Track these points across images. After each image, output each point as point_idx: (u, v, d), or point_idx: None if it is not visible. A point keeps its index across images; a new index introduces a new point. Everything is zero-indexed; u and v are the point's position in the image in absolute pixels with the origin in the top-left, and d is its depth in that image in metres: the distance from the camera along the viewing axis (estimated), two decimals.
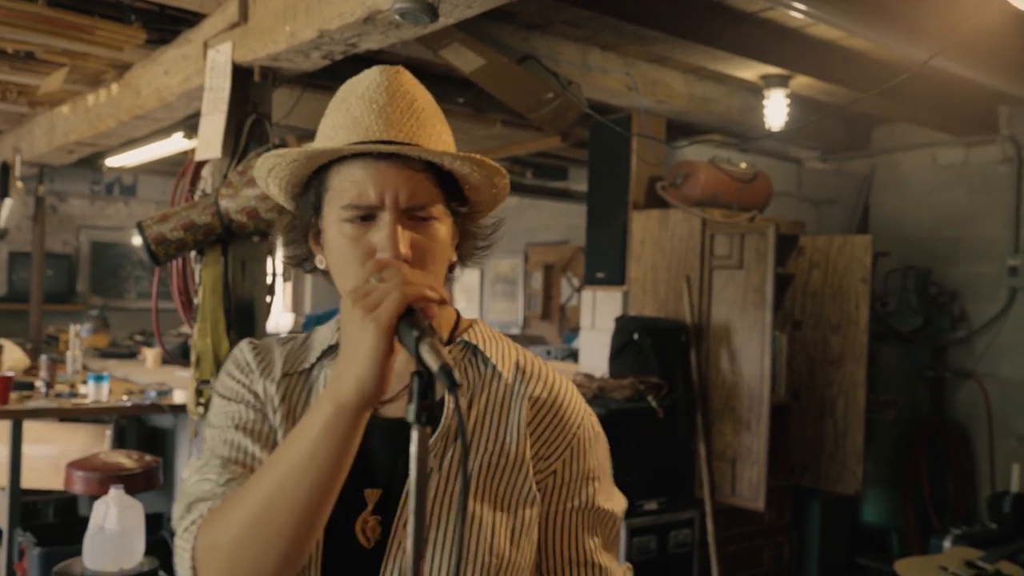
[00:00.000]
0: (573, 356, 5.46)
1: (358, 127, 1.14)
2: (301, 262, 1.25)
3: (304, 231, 1.22)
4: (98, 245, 9.80)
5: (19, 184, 6.55)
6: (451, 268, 1.25)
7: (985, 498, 5.18)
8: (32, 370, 5.43)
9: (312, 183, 1.18)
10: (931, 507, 5.29)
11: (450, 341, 1.25)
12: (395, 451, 1.15)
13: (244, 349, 1.28)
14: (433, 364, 0.92)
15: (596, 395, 4.20)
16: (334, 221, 1.15)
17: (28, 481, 4.32)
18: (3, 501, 4.23)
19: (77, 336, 5.22)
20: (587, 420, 1.28)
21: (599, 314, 5.06)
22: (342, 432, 0.99)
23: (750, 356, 4.29)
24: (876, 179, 6.01)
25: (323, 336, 1.27)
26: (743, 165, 4.83)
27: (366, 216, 1.12)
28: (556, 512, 1.23)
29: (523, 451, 1.20)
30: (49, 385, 4.69)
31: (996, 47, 3.86)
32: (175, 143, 5.55)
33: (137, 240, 9.25)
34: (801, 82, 4.55)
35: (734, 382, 4.35)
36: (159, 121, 4.75)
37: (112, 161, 6.78)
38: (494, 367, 1.24)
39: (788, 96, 4.58)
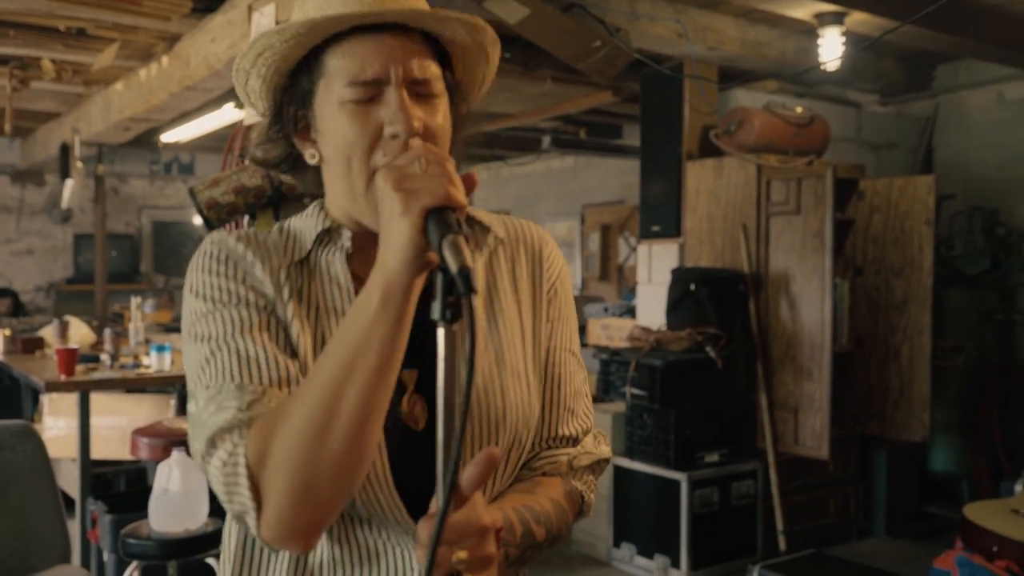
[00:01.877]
0: (631, 313, 5.41)
1: (350, 1, 1.10)
2: (280, 162, 1.20)
3: (292, 124, 1.16)
4: (159, 224, 9.97)
5: (79, 164, 6.67)
6: None
7: None
8: (97, 345, 5.55)
9: (302, 69, 1.14)
10: (1003, 453, 5.16)
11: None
12: (420, 328, 1.05)
13: (224, 241, 1.16)
14: (453, 265, 0.89)
15: (653, 347, 4.16)
16: (332, 105, 1.10)
17: (98, 452, 4.42)
18: (74, 472, 4.33)
19: (139, 308, 5.31)
20: (564, 265, 1.33)
21: (655, 268, 5.00)
22: (397, 303, 0.97)
23: (810, 303, 4.21)
24: (939, 120, 5.83)
25: (305, 225, 1.20)
26: (799, 110, 4.71)
27: (370, 97, 1.09)
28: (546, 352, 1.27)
29: (535, 304, 1.26)
30: (114, 357, 4.79)
31: None
32: (226, 114, 5.59)
33: (197, 219, 9.38)
34: (857, 19, 4.41)
35: (794, 330, 4.27)
36: (209, 91, 4.79)
37: (167, 136, 6.87)
38: (491, 232, 1.27)
39: (844, 34, 4.45)
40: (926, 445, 5.00)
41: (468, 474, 0.94)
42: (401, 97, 1.08)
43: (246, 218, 3.65)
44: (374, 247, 1.04)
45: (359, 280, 1.15)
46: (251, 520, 1.00)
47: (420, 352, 1.12)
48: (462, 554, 0.95)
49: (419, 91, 1.10)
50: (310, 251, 1.18)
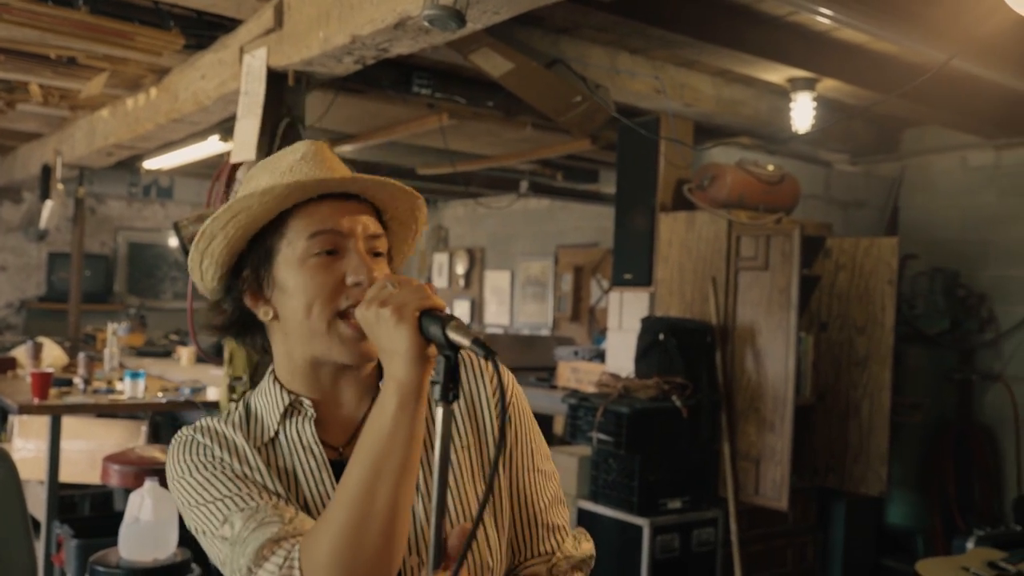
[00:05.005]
0: (601, 357, 5.50)
1: (309, 178, 1.25)
2: (230, 326, 1.32)
3: (246, 286, 1.28)
4: (135, 246, 9.97)
5: (60, 186, 6.70)
6: None
7: (1011, 500, 5.17)
8: (70, 367, 5.57)
9: (267, 230, 1.26)
10: (956, 509, 5.28)
11: None
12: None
13: (195, 435, 1.28)
14: (465, 340, 1.04)
15: (621, 394, 4.25)
16: (294, 262, 1.24)
17: (65, 475, 4.44)
18: (41, 494, 4.35)
19: (114, 334, 5.34)
20: (513, 385, 1.39)
21: (626, 315, 5.11)
22: (412, 403, 1.11)
23: (775, 357, 4.32)
24: (905, 181, 6.01)
25: (266, 403, 1.32)
26: (770, 167, 4.84)
27: (332, 251, 1.24)
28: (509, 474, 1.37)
29: (486, 440, 1.35)
30: (87, 382, 4.81)
31: (1013, 49, 3.88)
32: (211, 146, 5.66)
33: (173, 241, 9.44)
34: (828, 85, 4.57)
35: (759, 382, 4.38)
36: (196, 124, 4.86)
37: (150, 163, 6.92)
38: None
39: (815, 99, 4.61)
40: (883, 499, 5.11)
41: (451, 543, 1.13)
42: (361, 250, 1.25)
43: None
44: (330, 409, 1.28)
45: (324, 444, 1.28)
46: None
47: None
48: None
49: (371, 248, 1.28)
50: (277, 430, 1.29)
